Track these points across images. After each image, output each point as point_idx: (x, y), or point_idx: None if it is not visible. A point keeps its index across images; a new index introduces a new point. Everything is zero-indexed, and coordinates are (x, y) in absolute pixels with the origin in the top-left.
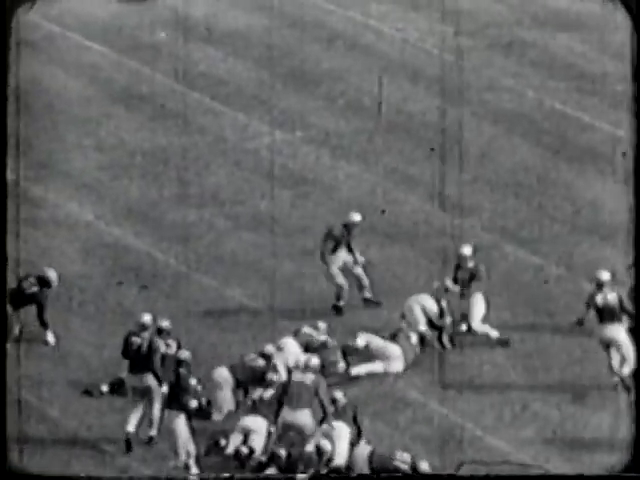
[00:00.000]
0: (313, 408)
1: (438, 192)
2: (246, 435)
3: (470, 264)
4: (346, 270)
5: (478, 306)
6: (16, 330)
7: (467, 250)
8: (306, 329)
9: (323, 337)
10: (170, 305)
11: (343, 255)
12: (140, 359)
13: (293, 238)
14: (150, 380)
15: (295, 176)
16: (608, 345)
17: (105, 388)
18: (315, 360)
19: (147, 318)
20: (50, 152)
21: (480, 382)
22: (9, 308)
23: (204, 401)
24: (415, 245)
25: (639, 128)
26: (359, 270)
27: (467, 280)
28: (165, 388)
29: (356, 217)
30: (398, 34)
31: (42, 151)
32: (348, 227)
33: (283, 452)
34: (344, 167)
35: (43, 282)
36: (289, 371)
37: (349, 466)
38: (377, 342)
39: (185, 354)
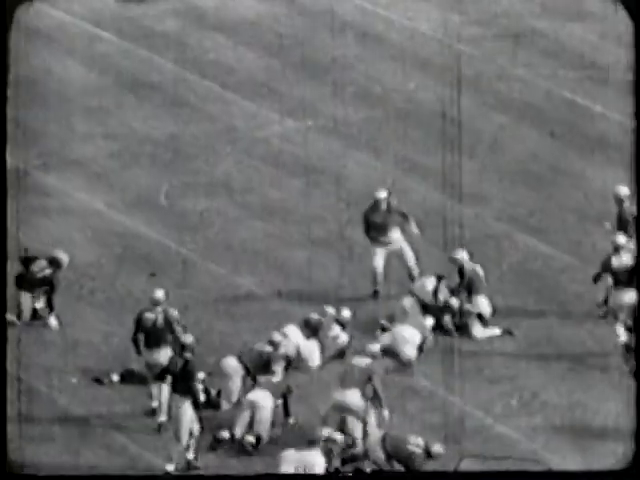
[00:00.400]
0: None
1: (448, 181)
2: (252, 414)
3: (465, 266)
4: (398, 257)
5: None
6: (27, 315)
7: (460, 254)
8: (313, 316)
9: (319, 316)
10: (180, 293)
11: (394, 238)
12: (157, 333)
13: (303, 226)
14: (164, 357)
15: (305, 164)
16: (616, 313)
17: (116, 378)
18: (375, 346)
19: (160, 293)
20: (60, 141)
21: (490, 370)
22: (19, 291)
23: (213, 391)
24: (425, 233)
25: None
26: (411, 262)
27: (465, 284)
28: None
29: (382, 194)
30: (408, 23)
31: (52, 140)
32: (377, 205)
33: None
34: (354, 155)
35: (54, 263)
36: (288, 360)
37: (366, 452)
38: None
39: (189, 339)
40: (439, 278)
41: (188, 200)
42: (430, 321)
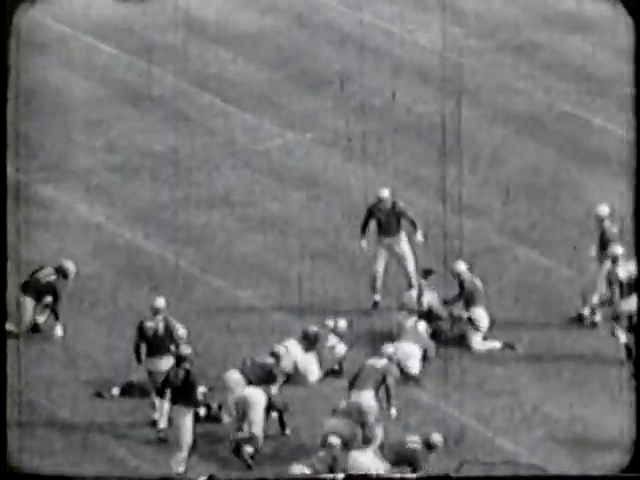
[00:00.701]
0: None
1: (449, 194)
2: (245, 412)
3: (464, 278)
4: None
5: (478, 327)
6: (27, 320)
7: (460, 266)
8: (311, 328)
9: (315, 328)
10: (181, 307)
11: (397, 241)
12: (158, 341)
13: (304, 239)
14: (165, 365)
15: (306, 177)
16: (617, 317)
17: (116, 391)
18: (389, 349)
19: (160, 302)
20: (61, 154)
21: (491, 383)
22: (23, 297)
23: (214, 405)
24: (426, 246)
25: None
26: (411, 268)
27: (463, 296)
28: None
29: (384, 192)
30: (408, 35)
31: (53, 153)
32: (379, 204)
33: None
34: (354, 168)
35: (60, 272)
36: (287, 375)
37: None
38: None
39: (187, 350)
40: (426, 273)
41: (189, 213)
42: (422, 326)
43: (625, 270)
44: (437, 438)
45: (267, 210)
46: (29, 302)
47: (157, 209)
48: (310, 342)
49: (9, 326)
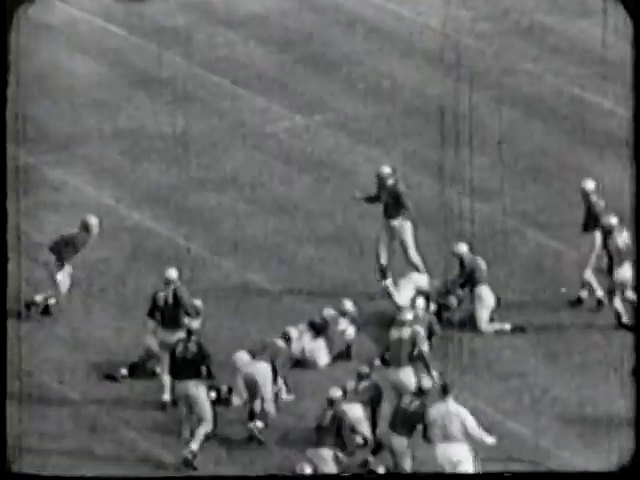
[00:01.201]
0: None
1: (458, 176)
2: (251, 392)
3: (465, 258)
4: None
5: (483, 305)
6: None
7: (461, 247)
8: (327, 311)
9: (326, 312)
10: (190, 289)
11: (397, 224)
12: (168, 312)
13: (313, 222)
14: (176, 337)
15: (314, 160)
16: (612, 290)
17: (124, 371)
18: (409, 315)
19: (172, 273)
20: (70, 136)
21: (500, 366)
22: (49, 256)
23: (225, 387)
24: (434, 229)
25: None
26: (409, 251)
27: (467, 278)
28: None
29: (385, 169)
30: (417, 18)
31: (62, 135)
32: (381, 182)
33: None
34: (363, 151)
35: (83, 226)
36: (296, 360)
37: (378, 445)
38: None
39: (195, 324)
40: (382, 272)
41: (198, 196)
42: (421, 302)
43: (622, 239)
44: (427, 383)
45: (276, 193)
46: (54, 261)
47: (166, 192)
48: (318, 330)
49: (42, 295)
